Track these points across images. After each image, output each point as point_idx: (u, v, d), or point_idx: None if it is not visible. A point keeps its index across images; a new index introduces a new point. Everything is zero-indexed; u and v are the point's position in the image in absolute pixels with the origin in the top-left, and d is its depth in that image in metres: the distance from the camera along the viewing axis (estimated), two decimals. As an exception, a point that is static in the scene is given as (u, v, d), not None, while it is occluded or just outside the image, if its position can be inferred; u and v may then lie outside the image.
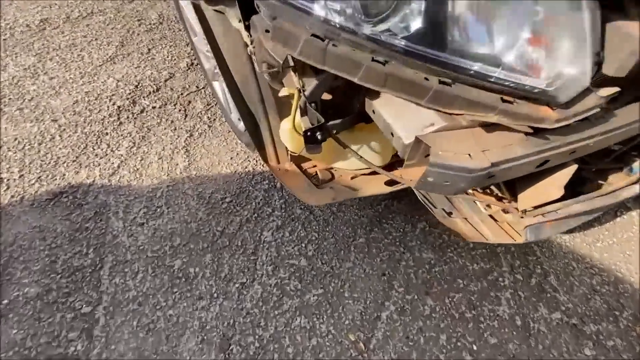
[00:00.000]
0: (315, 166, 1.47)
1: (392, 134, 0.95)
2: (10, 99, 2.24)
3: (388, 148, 1.26)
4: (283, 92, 1.02)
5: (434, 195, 1.36)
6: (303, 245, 1.64)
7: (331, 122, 1.08)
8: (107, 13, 2.90)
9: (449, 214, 1.34)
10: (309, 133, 0.89)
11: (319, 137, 0.91)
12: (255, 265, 1.57)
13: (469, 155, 0.81)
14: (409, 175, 0.98)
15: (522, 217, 1.22)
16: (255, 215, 1.74)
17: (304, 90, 0.91)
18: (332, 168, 1.45)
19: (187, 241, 1.65)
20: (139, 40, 2.68)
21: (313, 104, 0.93)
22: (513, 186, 1.26)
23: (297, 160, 1.43)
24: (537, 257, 1.66)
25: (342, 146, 1.03)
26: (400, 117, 0.93)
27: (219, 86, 1.91)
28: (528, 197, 1.15)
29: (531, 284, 1.58)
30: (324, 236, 1.67)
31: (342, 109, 1.10)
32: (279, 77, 1.02)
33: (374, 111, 1.00)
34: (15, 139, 2.02)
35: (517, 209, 1.18)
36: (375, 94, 0.98)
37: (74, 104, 2.22)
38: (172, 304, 1.47)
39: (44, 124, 2.11)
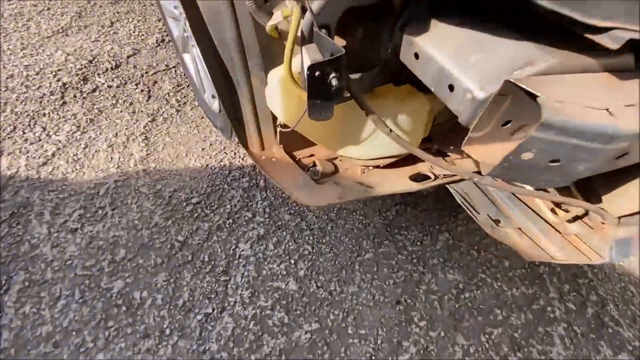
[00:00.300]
0: (312, 155, 1.08)
1: (450, 89, 0.58)
2: None
3: (420, 126, 0.89)
4: (274, 20, 0.64)
5: (475, 195, 0.99)
6: (292, 261, 1.24)
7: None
8: (66, -18, 2.47)
9: (496, 221, 0.97)
10: (317, 72, 0.51)
11: (334, 83, 0.53)
12: (227, 290, 1.16)
13: (608, 111, 0.45)
14: (472, 155, 0.61)
15: (603, 227, 0.87)
16: (230, 221, 1.33)
17: (309, 6, 0.53)
18: (335, 158, 1.07)
19: (134, 254, 1.22)
20: (101, 12, 2.27)
21: (323, 30, 0.55)
22: (586, 186, 0.91)
23: (289, 145, 1.05)
24: (589, 279, 1.31)
25: (365, 112, 0.65)
26: (466, 58, 0.56)
27: (191, 59, 1.52)
28: (626, 199, 0.79)
29: (587, 315, 1.23)
30: (319, 250, 1.28)
31: (361, 61, 0.73)
32: (264, 5, 0.65)
33: (417, 55, 0.63)
34: None
35: (606, 216, 0.83)
36: (421, 26, 0.62)
37: (7, 78, 1.77)
38: (103, 345, 1.03)
39: (-38, 100, 1.65)
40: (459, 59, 0.57)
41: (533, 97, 0.47)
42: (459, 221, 1.40)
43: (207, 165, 1.51)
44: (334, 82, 0.53)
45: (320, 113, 0.62)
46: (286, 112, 0.74)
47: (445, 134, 1.08)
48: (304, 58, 0.51)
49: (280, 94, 0.70)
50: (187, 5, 0.72)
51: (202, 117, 1.70)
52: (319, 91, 0.55)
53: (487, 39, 0.57)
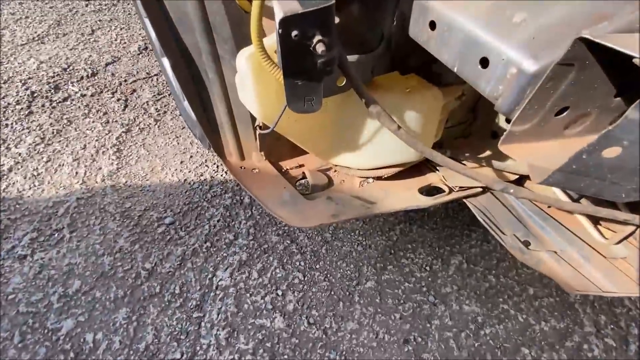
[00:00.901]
0: (302, 165, 0.91)
1: (482, 64, 0.42)
2: None
3: (431, 126, 0.72)
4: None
5: (498, 211, 0.82)
6: (279, 293, 1.04)
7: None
8: (48, -8, 2.37)
9: (526, 243, 0.80)
10: (294, 32, 0.35)
11: (320, 50, 0.36)
12: (199, 329, 0.96)
13: None
14: (514, 156, 0.44)
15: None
16: (208, 244, 1.14)
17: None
18: (329, 168, 0.90)
19: (91, 286, 1.02)
20: (82, 20, 2.15)
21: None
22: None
23: (274, 154, 0.88)
24: (627, 308, 1.12)
25: (365, 102, 0.48)
26: (506, 19, 0.40)
27: (169, 62, 1.37)
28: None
29: (630, 352, 1.03)
30: (312, 278, 1.09)
31: (359, 39, 0.57)
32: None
33: (433, 24, 0.47)
34: None
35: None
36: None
37: (-29, 87, 1.62)
38: (40, 405, 0.83)
39: None
40: (495, 21, 0.41)
41: (618, 62, 0.30)
42: (472, 241, 1.22)
43: (185, 180, 1.34)
44: (320, 48, 0.36)
45: (304, 101, 0.45)
46: (261, 105, 0.58)
47: (458, 138, 0.92)
48: (276, 12, 0.35)
49: (251, 78, 0.54)
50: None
51: (184, 128, 1.54)
52: (299, 64, 0.39)
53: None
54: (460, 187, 0.84)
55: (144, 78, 1.78)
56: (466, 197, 0.82)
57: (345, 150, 0.78)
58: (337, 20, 0.59)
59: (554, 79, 0.37)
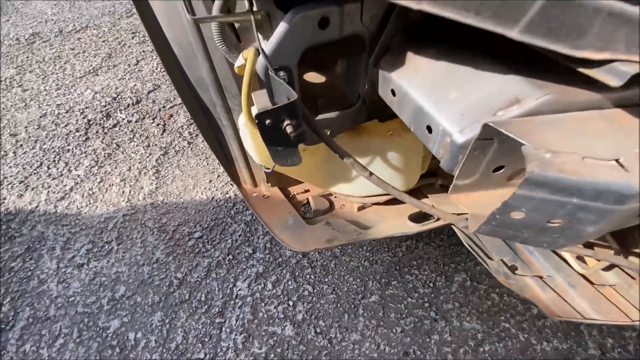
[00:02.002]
0: (307, 191, 1.03)
1: (428, 130, 0.51)
2: (-27, 111, 1.96)
3: (415, 162, 0.81)
4: (239, 62, 0.61)
5: (489, 237, 0.88)
6: (291, 303, 1.16)
7: (322, 116, 0.66)
8: (101, 27, 2.71)
9: (512, 268, 0.85)
10: (267, 120, 0.46)
11: (290, 132, 0.47)
12: (220, 333, 1.10)
13: (618, 162, 0.35)
14: (461, 205, 0.52)
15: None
16: (230, 257, 1.29)
17: (261, 49, 0.49)
18: (330, 194, 1.01)
19: (133, 292, 1.20)
20: (129, 52, 2.43)
21: (281, 72, 0.51)
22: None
23: (282, 181, 1.00)
24: (637, 331, 1.10)
25: (339, 155, 0.59)
26: (444, 95, 0.49)
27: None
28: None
29: (638, 378, 1.02)
30: (321, 291, 1.19)
31: (339, 96, 0.68)
32: (236, 46, 0.62)
33: (394, 92, 0.56)
34: (-37, 156, 1.70)
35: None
36: (397, 60, 0.56)
37: (40, 117, 1.92)
38: (93, 390, 1.01)
39: (1, 139, 1.80)
40: (436, 97, 0.50)
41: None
42: (477, 259, 1.26)
43: (212, 197, 1.51)
44: (289, 129, 0.47)
45: (287, 159, 0.57)
46: (259, 154, 0.70)
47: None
48: (255, 105, 0.46)
49: (249, 137, 0.66)
50: (161, 50, 0.72)
51: (212, 149, 1.71)
52: (276, 139, 0.50)
53: (468, 73, 0.49)
54: (452, 213, 0.91)
55: (179, 104, 2.00)
56: (452, 223, 0.89)
57: (340, 181, 0.88)
58: (323, 79, 0.71)
59: (479, 149, 0.45)
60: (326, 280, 1.22)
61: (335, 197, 0.99)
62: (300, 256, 1.28)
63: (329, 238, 0.85)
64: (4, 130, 1.84)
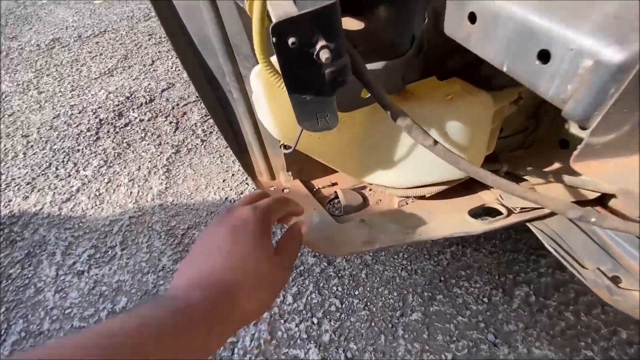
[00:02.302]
0: (335, 184, 0.85)
1: (542, 58, 0.32)
2: (-11, 114, 1.93)
3: (480, 138, 0.62)
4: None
5: (575, 237, 0.66)
6: (315, 320, 0.97)
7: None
8: (119, 31, 2.68)
9: (615, 280, 0.63)
10: (290, 39, 0.29)
11: (324, 58, 0.30)
12: (232, 356, 0.92)
13: None
14: (590, 176, 0.33)
15: None
16: (245, 264, 1.12)
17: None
18: (364, 186, 0.83)
19: (135, 304, 1.05)
20: (144, 53, 2.37)
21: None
22: None
23: (304, 172, 0.83)
24: None
25: (391, 113, 0.41)
26: (570, 1, 0.31)
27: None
28: None
29: None
30: (350, 306, 1.00)
31: (385, 43, 0.50)
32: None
33: (473, 16, 0.38)
34: (-26, 158, 1.64)
35: None
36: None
37: (54, 118, 1.86)
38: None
39: (12, 140, 1.74)
40: (557, 2, 0.31)
41: None
42: (541, 269, 1.04)
43: (226, 198, 1.35)
44: (324, 55, 0.30)
45: (317, 119, 0.39)
46: (278, 124, 0.53)
47: (517, 149, 0.78)
48: (273, 15, 0.30)
49: (264, 96, 0.50)
50: (159, 3, 0.57)
51: (227, 147, 1.58)
52: (303, 77, 0.33)
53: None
54: (522, 209, 0.70)
55: (193, 101, 1.89)
56: (530, 220, 0.68)
57: (379, 168, 0.70)
58: (362, 26, 0.53)
59: (649, 71, 0.26)
60: (356, 293, 1.03)
61: (371, 190, 0.81)
62: (325, 264, 1.09)
63: (368, 240, 0.66)
64: (16, 132, 1.79)
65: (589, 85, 0.29)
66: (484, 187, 0.77)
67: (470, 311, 0.96)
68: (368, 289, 1.03)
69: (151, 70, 2.19)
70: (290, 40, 0.29)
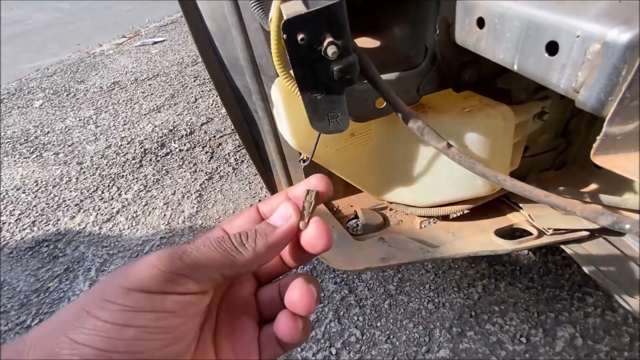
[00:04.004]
0: (353, 205, 0.85)
1: (549, 50, 0.33)
2: (53, 145, 2.17)
3: (503, 152, 0.60)
4: (271, 14, 0.50)
5: (619, 264, 0.60)
6: (334, 351, 0.92)
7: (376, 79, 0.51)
8: (170, 74, 3.00)
9: (672, 314, 0.55)
10: (300, 35, 0.32)
11: (331, 53, 0.33)
12: (246, 381, 0.89)
13: None
14: (618, 171, 0.31)
15: None
16: (265, 288, 1.11)
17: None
18: (385, 206, 0.82)
19: (157, 321, 1.06)
20: (189, 92, 2.61)
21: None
22: None
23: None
24: None
25: (402, 117, 0.42)
26: None
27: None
28: None
29: None
30: (372, 338, 0.94)
31: (399, 55, 0.53)
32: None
33: (482, 22, 0.40)
34: (35, 182, 1.83)
35: None
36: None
37: (106, 148, 2.05)
38: None
39: (68, 167, 1.93)
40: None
41: None
42: (588, 308, 0.93)
43: (252, 223, 1.38)
44: (331, 50, 0.33)
45: (328, 119, 0.41)
46: (295, 132, 0.56)
47: (547, 170, 0.75)
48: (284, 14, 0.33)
49: (282, 105, 0.53)
50: (195, 28, 0.65)
51: (256, 174, 1.64)
52: (313, 73, 0.36)
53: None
54: (555, 230, 0.65)
55: (228, 133, 2.01)
56: (565, 242, 0.63)
57: (398, 185, 0.69)
58: (378, 43, 0.57)
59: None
60: (378, 324, 0.97)
61: (391, 209, 0.80)
62: (347, 291, 1.05)
63: (385, 256, 0.64)
64: (73, 160, 1.99)
65: (600, 69, 0.29)
66: (512, 208, 0.73)
67: (505, 351, 0.87)
68: (391, 320, 0.97)
69: (194, 107, 2.39)
70: (300, 36, 0.32)
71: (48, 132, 2.30)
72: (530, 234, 0.65)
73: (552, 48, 0.32)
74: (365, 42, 0.57)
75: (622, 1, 0.28)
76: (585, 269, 0.59)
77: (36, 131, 2.32)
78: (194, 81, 2.79)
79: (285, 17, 0.32)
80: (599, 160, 0.32)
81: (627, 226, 0.39)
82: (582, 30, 0.29)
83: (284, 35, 0.33)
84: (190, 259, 0.24)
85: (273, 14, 0.38)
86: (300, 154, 0.74)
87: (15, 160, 2.02)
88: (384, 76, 0.50)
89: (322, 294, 1.06)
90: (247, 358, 0.29)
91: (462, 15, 0.43)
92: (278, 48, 0.41)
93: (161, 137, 2.06)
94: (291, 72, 0.42)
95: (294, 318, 0.28)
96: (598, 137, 0.31)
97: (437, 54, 0.48)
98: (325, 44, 0.33)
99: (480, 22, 0.40)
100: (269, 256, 0.28)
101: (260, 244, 0.27)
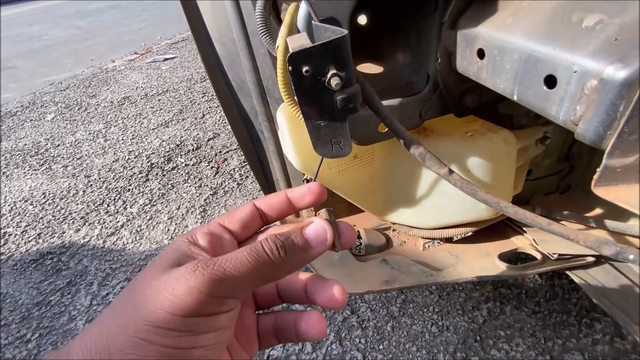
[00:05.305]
0: (356, 225, 0.85)
1: (548, 84, 0.33)
2: (62, 157, 2.22)
3: (505, 177, 0.60)
4: (277, 41, 0.51)
5: (625, 290, 0.59)
6: (335, 373, 0.90)
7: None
8: (179, 90, 3.07)
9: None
10: (304, 67, 0.33)
11: (334, 84, 0.34)
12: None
13: None
14: (619, 203, 0.31)
15: None
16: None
17: None
18: (388, 227, 0.81)
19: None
20: (197, 108, 2.66)
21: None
22: None
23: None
24: None
25: (404, 143, 0.43)
26: (571, 25, 0.33)
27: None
28: None
29: None
30: (374, 360, 0.92)
31: (401, 85, 0.54)
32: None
33: (482, 52, 0.41)
34: (43, 194, 1.86)
35: None
36: (482, 11, 0.42)
37: (113, 161, 2.09)
38: None
39: (76, 179, 1.96)
40: (557, 31, 0.33)
41: None
42: (596, 335, 0.90)
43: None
44: (334, 82, 0.34)
45: (331, 145, 0.42)
46: (299, 154, 0.57)
47: (551, 194, 0.74)
48: (290, 47, 0.35)
49: (287, 128, 0.54)
50: (204, 52, 0.68)
51: (259, 190, 1.65)
52: (317, 102, 0.37)
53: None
54: (560, 255, 0.65)
55: (234, 149, 2.04)
56: (570, 268, 0.62)
57: (402, 206, 0.69)
58: (381, 70, 0.58)
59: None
60: (381, 347, 0.95)
61: (394, 230, 0.79)
62: (349, 312, 1.04)
63: (387, 279, 0.64)
64: (81, 173, 2.02)
65: (597, 104, 0.29)
66: (517, 231, 0.73)
67: (512, 379, 0.84)
68: (394, 343, 0.95)
69: (201, 122, 2.44)
70: (304, 68, 0.34)
71: (58, 145, 2.34)
72: (535, 258, 0.64)
73: (551, 81, 0.33)
74: (369, 68, 0.59)
75: (619, 39, 0.29)
76: (591, 296, 0.58)
77: (47, 144, 2.37)
78: (202, 97, 2.85)
79: (291, 50, 0.33)
80: (599, 191, 0.33)
81: (631, 256, 0.38)
82: (579, 66, 0.30)
83: (290, 67, 0.34)
84: (232, 281, 0.25)
85: (280, 45, 0.40)
86: (303, 174, 0.75)
87: (25, 172, 2.06)
88: (387, 102, 0.51)
89: (324, 315, 1.04)
90: (250, 346, 0.31)
91: (462, 45, 0.44)
92: (284, 77, 0.42)
93: (168, 151, 2.09)
94: (296, 98, 0.44)
95: (323, 319, 0.31)
96: (598, 170, 0.32)
97: (439, 81, 0.49)
98: (329, 75, 0.34)
99: (481, 53, 0.41)
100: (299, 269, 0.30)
101: (297, 262, 0.28)
